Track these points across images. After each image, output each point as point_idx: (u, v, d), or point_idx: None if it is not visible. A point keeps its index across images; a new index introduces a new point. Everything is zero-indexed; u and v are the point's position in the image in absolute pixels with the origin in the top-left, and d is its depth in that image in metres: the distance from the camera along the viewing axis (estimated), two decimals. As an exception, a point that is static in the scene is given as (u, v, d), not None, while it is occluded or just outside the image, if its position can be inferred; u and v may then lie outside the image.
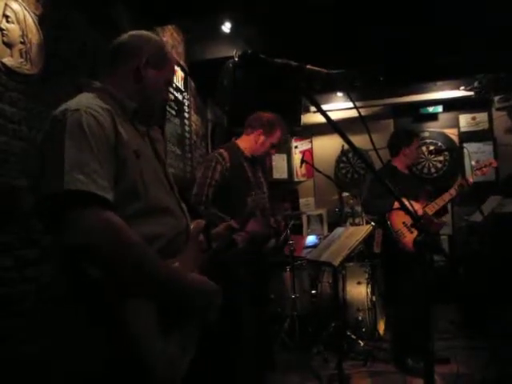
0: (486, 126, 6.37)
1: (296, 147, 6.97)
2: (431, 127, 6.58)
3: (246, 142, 2.95)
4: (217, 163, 2.77)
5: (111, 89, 1.45)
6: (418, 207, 3.38)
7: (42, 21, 2.32)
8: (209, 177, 2.74)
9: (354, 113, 5.69)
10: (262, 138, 2.92)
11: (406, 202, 1.64)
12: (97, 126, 1.27)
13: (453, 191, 3.54)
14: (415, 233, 3.44)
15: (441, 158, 6.48)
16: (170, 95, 3.75)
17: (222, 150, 2.86)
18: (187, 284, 1.35)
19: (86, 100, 1.35)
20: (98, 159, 1.24)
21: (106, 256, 1.20)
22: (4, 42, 2.07)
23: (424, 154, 6.30)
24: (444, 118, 6.54)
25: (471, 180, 3.56)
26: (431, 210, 3.51)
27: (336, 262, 2.96)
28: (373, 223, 3.46)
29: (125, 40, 1.53)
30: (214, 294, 1.43)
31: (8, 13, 2.10)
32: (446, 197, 3.55)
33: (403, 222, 3.44)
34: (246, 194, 2.73)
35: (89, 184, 1.19)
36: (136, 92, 1.47)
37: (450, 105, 6.31)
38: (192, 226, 1.54)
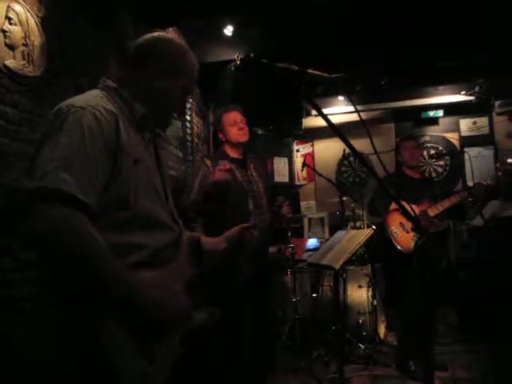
0: (486, 130, 6.37)
1: (297, 151, 6.97)
2: (432, 131, 6.58)
3: (227, 145, 3.09)
4: (199, 170, 3.00)
5: (123, 89, 1.41)
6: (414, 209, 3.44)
7: (44, 23, 2.32)
8: (193, 184, 2.94)
9: (354, 117, 5.71)
10: (223, 132, 3.07)
11: (406, 205, 1.67)
12: (97, 130, 1.24)
13: (453, 199, 3.57)
14: (411, 233, 3.52)
15: (441, 163, 6.48)
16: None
17: (205, 158, 3.17)
18: (146, 296, 1.25)
19: (93, 99, 1.32)
20: (89, 163, 1.20)
21: (61, 251, 1.13)
22: (6, 44, 2.08)
23: (425, 158, 6.30)
24: (445, 122, 6.54)
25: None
26: (433, 211, 3.55)
27: (337, 266, 2.96)
28: (374, 226, 3.47)
29: (145, 42, 1.48)
30: (177, 312, 1.35)
31: (11, 15, 2.10)
32: (446, 203, 3.58)
33: (400, 223, 3.53)
34: (238, 193, 2.87)
35: (71, 185, 1.15)
36: (147, 97, 1.42)
37: (450, 109, 6.32)
38: (185, 239, 1.50)
